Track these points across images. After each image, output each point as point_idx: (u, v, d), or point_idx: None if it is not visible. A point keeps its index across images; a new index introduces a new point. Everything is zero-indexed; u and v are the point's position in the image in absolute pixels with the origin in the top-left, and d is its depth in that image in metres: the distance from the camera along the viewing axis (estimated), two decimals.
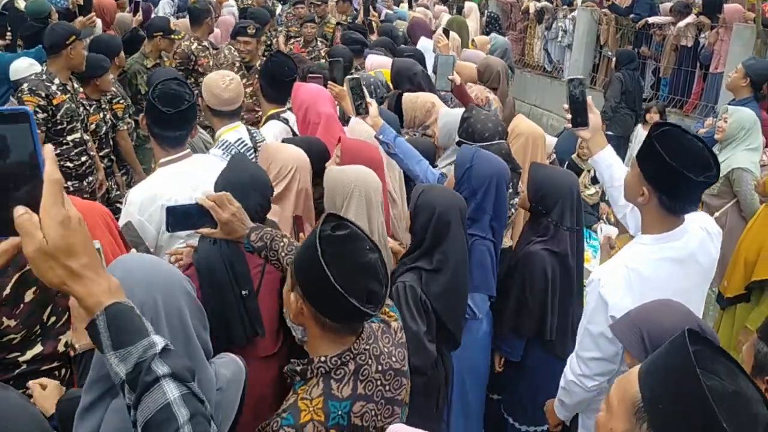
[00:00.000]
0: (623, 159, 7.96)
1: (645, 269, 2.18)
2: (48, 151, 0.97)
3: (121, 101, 4.98)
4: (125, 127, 5.02)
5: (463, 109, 4.05)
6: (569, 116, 2.51)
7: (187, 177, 2.64)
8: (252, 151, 3.33)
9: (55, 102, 4.13)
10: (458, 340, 2.63)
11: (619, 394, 1.27)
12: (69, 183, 4.30)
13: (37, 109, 4.02)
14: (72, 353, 1.85)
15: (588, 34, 10.40)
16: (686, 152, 2.05)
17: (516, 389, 3.13)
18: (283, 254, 2.02)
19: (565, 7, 11.16)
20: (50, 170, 0.96)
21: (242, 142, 3.25)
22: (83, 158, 4.38)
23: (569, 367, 2.39)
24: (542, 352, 3.05)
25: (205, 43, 5.90)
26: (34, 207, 0.96)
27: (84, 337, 1.82)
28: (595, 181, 6.57)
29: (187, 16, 6.34)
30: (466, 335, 2.74)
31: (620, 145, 7.77)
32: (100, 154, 4.72)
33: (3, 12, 5.20)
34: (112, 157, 4.94)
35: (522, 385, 3.10)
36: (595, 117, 2.52)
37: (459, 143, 3.49)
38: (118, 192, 5.02)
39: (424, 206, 2.54)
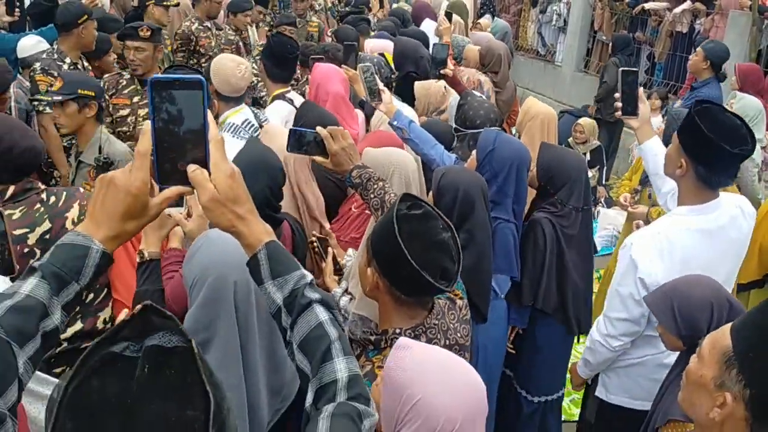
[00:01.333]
0: (616, 144, 8.08)
1: (676, 237, 2.32)
2: (209, 114, 1.11)
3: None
4: None
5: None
6: (618, 104, 2.62)
7: None
8: (257, 129, 3.36)
9: None
10: (485, 313, 2.68)
11: (710, 345, 1.43)
12: None
13: (49, 89, 3.96)
14: (138, 260, 1.96)
15: (583, 18, 10.45)
16: (724, 126, 2.21)
17: (526, 363, 3.23)
18: (372, 195, 2.18)
19: None
20: (214, 131, 1.11)
21: (249, 123, 3.27)
22: None
23: (596, 327, 2.54)
24: (553, 324, 3.14)
25: (207, 24, 5.87)
26: (203, 163, 1.10)
27: (152, 246, 1.95)
28: (591, 165, 6.69)
29: None
30: (490, 313, 2.81)
31: (613, 130, 7.87)
32: None
33: None
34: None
35: (531, 358, 3.20)
36: (644, 107, 2.65)
37: (455, 130, 3.53)
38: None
39: (447, 187, 2.59)
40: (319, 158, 2.23)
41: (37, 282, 1.02)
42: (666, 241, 2.30)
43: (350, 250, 2.74)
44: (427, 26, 6.23)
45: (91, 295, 2.29)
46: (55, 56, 4.13)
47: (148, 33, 4.06)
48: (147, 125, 1.08)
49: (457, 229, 2.52)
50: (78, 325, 2.26)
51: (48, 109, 3.98)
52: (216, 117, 3.81)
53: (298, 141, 2.19)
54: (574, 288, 3.07)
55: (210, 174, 1.10)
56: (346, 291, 2.40)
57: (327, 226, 2.97)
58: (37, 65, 4.04)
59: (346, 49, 4.19)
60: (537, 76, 11.75)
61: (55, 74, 4.00)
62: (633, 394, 2.51)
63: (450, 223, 1.70)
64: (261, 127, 3.31)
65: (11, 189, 2.09)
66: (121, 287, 2.33)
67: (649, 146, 2.65)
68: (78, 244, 1.06)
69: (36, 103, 4.00)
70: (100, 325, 2.33)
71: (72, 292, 1.04)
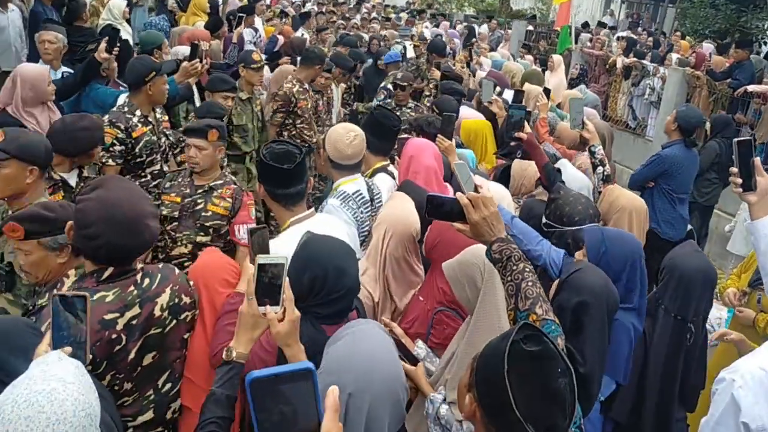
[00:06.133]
0: (706, 229, 7.64)
1: None
2: (330, 403, 0.96)
3: None
4: None
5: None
6: (738, 180, 2.34)
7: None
8: (369, 203, 3.29)
9: (134, 135, 4.07)
10: None
11: None
12: None
13: (115, 141, 3.96)
14: (225, 358, 1.79)
15: (678, 94, 10.09)
16: None
17: None
18: (509, 278, 1.93)
19: (656, 65, 10.90)
20: (328, 425, 0.95)
21: (360, 194, 3.23)
22: None
23: None
24: None
25: (306, 86, 6.00)
26: None
27: (243, 346, 1.80)
28: None
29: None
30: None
31: (706, 213, 7.45)
32: None
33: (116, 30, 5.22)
34: None
35: None
36: (764, 180, 2.36)
37: (546, 225, 3.30)
38: None
39: (571, 289, 2.40)
40: (459, 225, 2.05)
41: None
42: None
43: (419, 342, 2.57)
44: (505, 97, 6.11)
45: (168, 385, 2.17)
46: (125, 109, 4.09)
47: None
48: None
49: (568, 338, 2.32)
50: (149, 415, 2.14)
51: (110, 162, 3.98)
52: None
53: (436, 208, 2.05)
54: (652, 402, 2.85)
55: None
56: (445, 399, 2.20)
57: (387, 317, 2.80)
58: (106, 117, 4.01)
59: (445, 119, 4.08)
60: (626, 148, 11.39)
61: (122, 127, 3.99)
62: None
63: (569, 365, 1.48)
64: (372, 200, 3.24)
65: (109, 270, 2.00)
66: (195, 371, 2.23)
67: (764, 223, 2.36)
68: None
69: (101, 153, 3.94)
70: (169, 415, 2.22)
71: None
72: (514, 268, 1.93)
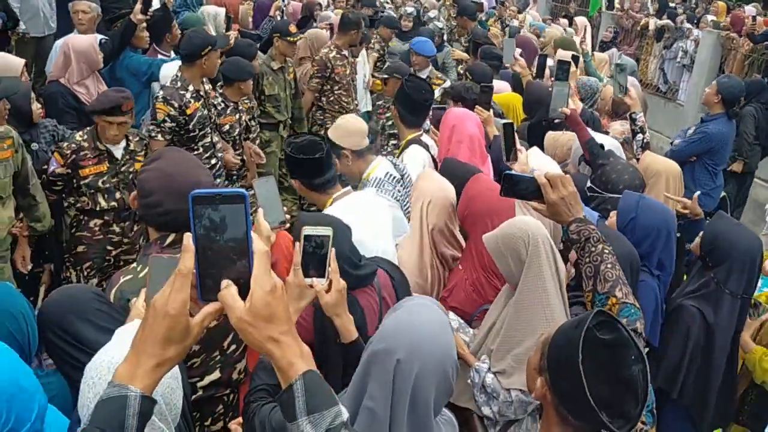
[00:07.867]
0: (742, 196, 7.55)
1: None
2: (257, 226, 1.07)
3: (246, 101, 5.00)
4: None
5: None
6: None
7: (362, 208, 2.68)
8: (399, 179, 3.31)
9: (188, 112, 4.07)
10: None
11: None
12: None
13: (167, 118, 4.01)
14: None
15: (711, 58, 9.93)
16: None
17: None
18: (587, 260, 1.91)
19: (689, 27, 10.70)
20: (257, 245, 1.07)
21: (391, 175, 3.25)
22: (213, 161, 4.34)
23: None
24: (678, 416, 2.94)
25: (345, 53, 6.00)
26: (246, 277, 1.06)
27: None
28: None
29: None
30: None
31: (742, 181, 7.37)
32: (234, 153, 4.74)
33: None
34: (244, 158, 4.93)
35: None
36: None
37: (590, 189, 3.33)
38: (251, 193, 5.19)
39: None
40: (535, 204, 2.01)
41: None
42: None
43: (450, 314, 2.62)
44: None
45: (233, 346, 2.29)
46: (178, 84, 4.12)
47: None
48: (189, 242, 1.05)
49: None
50: (216, 375, 2.27)
51: (159, 137, 4.01)
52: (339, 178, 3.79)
53: (512, 186, 2.00)
54: (718, 382, 2.86)
55: (249, 289, 1.05)
56: (489, 369, 2.29)
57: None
58: (160, 93, 4.06)
59: (483, 90, 4.11)
60: (656, 113, 11.23)
61: (176, 105, 4.01)
62: None
63: (642, 351, 1.50)
64: (402, 178, 3.29)
65: (171, 236, 2.11)
66: None
67: None
68: (114, 397, 1.03)
69: (152, 128, 4.02)
70: (235, 375, 2.33)
71: None
72: (593, 249, 1.90)
